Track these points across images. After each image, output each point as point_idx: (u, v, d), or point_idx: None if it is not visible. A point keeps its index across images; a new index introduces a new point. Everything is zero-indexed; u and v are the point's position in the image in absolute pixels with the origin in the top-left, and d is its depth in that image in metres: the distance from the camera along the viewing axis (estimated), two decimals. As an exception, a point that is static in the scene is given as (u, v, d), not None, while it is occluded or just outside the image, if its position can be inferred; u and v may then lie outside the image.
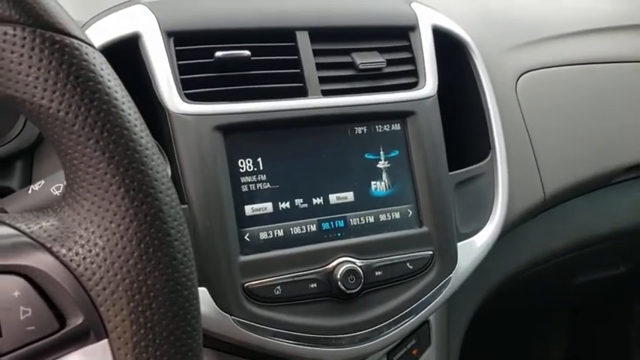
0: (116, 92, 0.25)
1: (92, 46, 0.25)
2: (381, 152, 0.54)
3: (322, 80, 0.53)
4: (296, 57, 0.53)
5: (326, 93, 0.53)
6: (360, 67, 0.55)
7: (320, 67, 0.53)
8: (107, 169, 0.24)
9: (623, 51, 0.72)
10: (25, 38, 0.23)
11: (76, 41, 0.25)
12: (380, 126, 0.55)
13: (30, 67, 0.23)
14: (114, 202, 0.24)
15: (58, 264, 0.23)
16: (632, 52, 0.73)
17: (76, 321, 0.23)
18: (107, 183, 0.24)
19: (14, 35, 0.23)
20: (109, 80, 0.25)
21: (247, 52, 0.51)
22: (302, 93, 0.53)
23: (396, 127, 0.55)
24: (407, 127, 0.55)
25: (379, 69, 0.56)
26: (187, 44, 0.50)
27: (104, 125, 0.24)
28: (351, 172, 0.53)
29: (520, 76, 0.66)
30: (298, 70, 0.53)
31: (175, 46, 0.49)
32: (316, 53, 0.54)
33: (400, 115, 0.55)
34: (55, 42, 0.24)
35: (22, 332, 0.22)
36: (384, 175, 0.54)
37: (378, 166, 0.54)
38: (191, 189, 0.47)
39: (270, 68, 0.52)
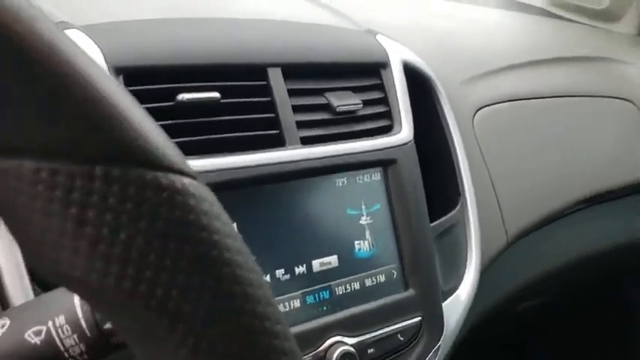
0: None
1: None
2: (363, 206, 0.48)
3: (300, 125, 0.45)
4: (269, 99, 0.44)
5: (305, 141, 0.45)
6: (338, 109, 0.48)
7: (296, 109, 0.45)
8: None
9: (573, 83, 0.73)
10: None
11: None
12: (361, 177, 0.48)
13: None
14: None
15: None
16: (581, 85, 0.74)
17: None
18: None
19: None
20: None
21: (217, 94, 0.41)
22: (279, 142, 0.44)
23: (377, 177, 0.49)
24: (388, 176, 0.49)
25: (355, 111, 0.49)
26: (142, 84, 0.39)
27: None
28: (334, 232, 0.46)
29: (476, 112, 0.63)
30: (273, 115, 0.44)
31: (127, 86, 0.39)
32: (291, 94, 0.46)
33: (381, 163, 0.49)
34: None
35: None
36: (367, 233, 0.48)
37: (361, 222, 0.48)
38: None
39: (242, 113, 0.43)
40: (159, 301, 0.14)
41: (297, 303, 0.44)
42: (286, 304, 0.43)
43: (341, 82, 0.49)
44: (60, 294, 0.23)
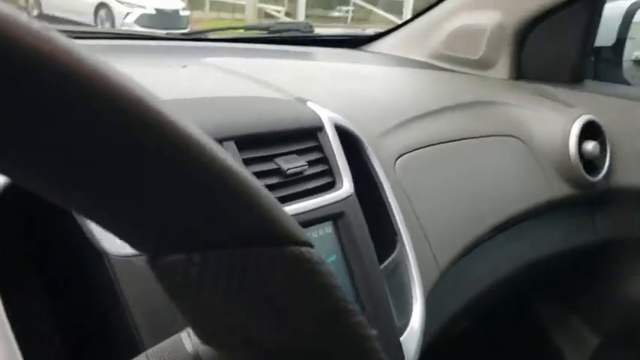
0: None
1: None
2: (321, 259, 0.52)
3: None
4: None
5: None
6: (288, 172, 0.52)
7: (257, 176, 0.49)
8: None
9: (467, 127, 0.83)
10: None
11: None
12: (315, 232, 0.53)
13: None
14: None
15: None
16: (474, 127, 0.83)
17: None
18: None
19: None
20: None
21: None
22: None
23: (329, 230, 0.54)
24: (338, 228, 0.54)
25: (302, 172, 0.54)
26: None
27: None
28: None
29: (396, 160, 0.70)
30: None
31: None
32: (246, 163, 0.49)
33: (331, 217, 0.54)
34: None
35: None
36: (329, 284, 0.52)
37: (322, 274, 0.52)
38: (148, 341, 0.38)
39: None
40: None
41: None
42: None
43: (286, 147, 0.54)
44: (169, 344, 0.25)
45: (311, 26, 1.20)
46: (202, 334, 0.19)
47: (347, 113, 0.65)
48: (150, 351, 0.26)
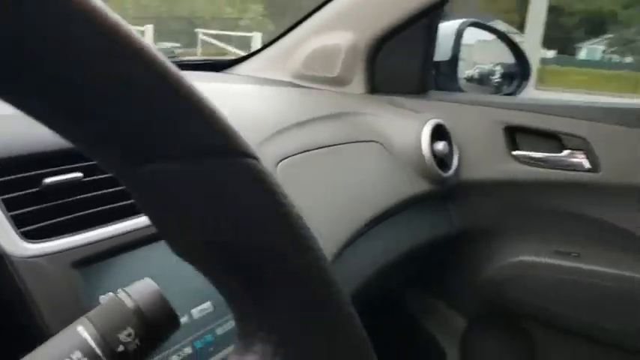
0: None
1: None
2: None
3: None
4: None
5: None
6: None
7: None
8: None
9: (333, 135, 0.89)
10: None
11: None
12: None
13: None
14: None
15: None
16: (339, 135, 0.90)
17: None
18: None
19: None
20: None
21: (80, 174, 0.44)
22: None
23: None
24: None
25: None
26: (10, 173, 0.41)
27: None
28: (201, 280, 0.51)
29: (277, 164, 0.75)
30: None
31: (-5, 177, 0.40)
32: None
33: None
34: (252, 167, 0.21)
35: None
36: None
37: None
38: None
39: (105, 187, 0.46)
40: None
41: (188, 350, 0.47)
42: (180, 353, 0.46)
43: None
44: (66, 335, 0.26)
45: (174, 52, 1.22)
46: (173, 245, 0.21)
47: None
48: (90, 314, 0.27)
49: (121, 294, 0.28)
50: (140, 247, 0.47)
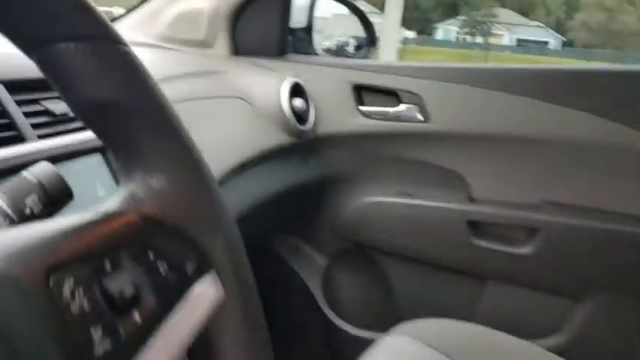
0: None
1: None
2: (98, 184, 0.62)
3: (35, 127, 0.56)
4: (1, 108, 0.54)
5: (42, 137, 0.57)
6: (57, 113, 0.60)
7: (27, 115, 0.56)
8: (172, 144, 0.31)
9: (196, 90, 0.97)
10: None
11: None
12: (86, 161, 0.62)
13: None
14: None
15: None
16: (202, 91, 0.99)
17: None
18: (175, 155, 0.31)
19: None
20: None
21: None
22: (20, 140, 0.55)
23: (99, 159, 0.63)
24: (107, 157, 0.64)
25: (68, 113, 0.62)
26: None
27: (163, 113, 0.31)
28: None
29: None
30: (8, 120, 0.54)
31: None
32: (19, 103, 0.56)
33: (99, 149, 0.63)
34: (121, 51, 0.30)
35: None
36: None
37: (100, 194, 0.61)
38: None
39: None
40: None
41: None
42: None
43: (50, 92, 0.62)
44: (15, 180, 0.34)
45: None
46: (73, 109, 0.30)
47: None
48: (1, 185, 0.35)
49: (25, 172, 0.36)
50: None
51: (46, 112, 0.60)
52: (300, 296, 1.29)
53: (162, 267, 0.29)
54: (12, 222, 0.33)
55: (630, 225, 1.09)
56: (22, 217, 0.33)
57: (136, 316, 0.27)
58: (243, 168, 0.98)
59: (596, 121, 1.08)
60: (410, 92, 1.17)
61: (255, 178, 1.03)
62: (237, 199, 0.97)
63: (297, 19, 1.33)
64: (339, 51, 1.53)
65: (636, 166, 1.09)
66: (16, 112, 0.55)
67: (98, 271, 0.25)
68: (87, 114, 0.30)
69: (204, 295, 0.30)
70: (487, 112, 1.15)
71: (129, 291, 0.26)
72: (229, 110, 1.02)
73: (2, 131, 0.53)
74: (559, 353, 0.97)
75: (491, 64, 1.23)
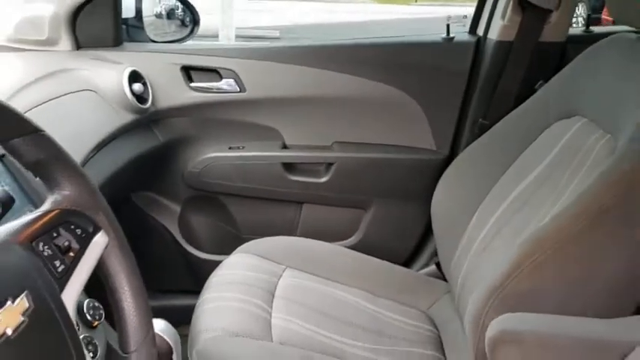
0: None
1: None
2: None
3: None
4: None
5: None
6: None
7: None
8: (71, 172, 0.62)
9: (56, 89, 1.23)
10: None
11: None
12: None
13: None
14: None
15: None
16: (61, 88, 1.24)
17: None
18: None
19: None
20: None
21: None
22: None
23: (-2, 165, 0.91)
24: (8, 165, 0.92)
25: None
26: None
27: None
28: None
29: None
30: None
31: None
32: None
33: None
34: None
35: None
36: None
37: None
38: None
39: None
40: None
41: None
42: None
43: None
44: None
45: None
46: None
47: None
48: None
49: None
50: None
51: None
52: (161, 236, 1.63)
53: (77, 231, 0.61)
54: None
55: (392, 152, 1.56)
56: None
57: (70, 256, 0.59)
58: (100, 146, 1.26)
59: (362, 82, 1.51)
60: (227, 69, 1.50)
61: (110, 152, 1.31)
62: (98, 170, 1.26)
63: (127, 9, 1.58)
64: (169, 14, 1.78)
65: (393, 112, 1.54)
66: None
67: (51, 237, 0.57)
68: (26, 165, 0.60)
69: (99, 242, 0.63)
70: (288, 80, 1.52)
71: (65, 244, 0.58)
72: (81, 102, 1.29)
73: None
74: (355, 249, 1.41)
75: (287, 44, 1.60)
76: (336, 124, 1.56)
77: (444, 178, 1.35)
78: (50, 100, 1.21)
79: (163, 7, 1.80)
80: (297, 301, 1.20)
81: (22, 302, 0.47)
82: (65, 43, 1.45)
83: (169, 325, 0.86)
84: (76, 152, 1.15)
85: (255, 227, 1.64)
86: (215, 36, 5.77)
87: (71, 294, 0.56)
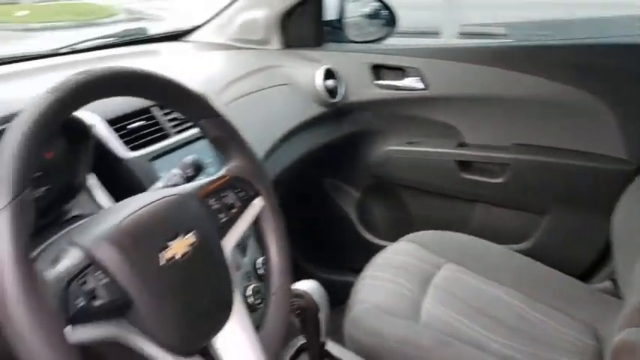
0: None
1: None
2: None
3: (172, 127, 1.08)
4: (155, 120, 1.06)
5: (177, 133, 1.08)
6: (181, 118, 1.11)
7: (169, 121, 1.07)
8: (242, 146, 0.80)
9: (260, 83, 1.46)
10: None
11: None
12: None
13: None
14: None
15: None
16: (263, 82, 1.47)
17: None
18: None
19: None
20: None
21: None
22: (166, 136, 1.06)
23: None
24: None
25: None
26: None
27: None
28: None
29: (227, 105, 1.31)
30: (160, 125, 1.06)
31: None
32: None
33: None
34: None
35: None
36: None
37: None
38: None
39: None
40: None
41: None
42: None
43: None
44: None
45: (145, 29, 1.73)
46: None
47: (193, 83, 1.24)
48: None
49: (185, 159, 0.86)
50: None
51: (175, 119, 1.09)
52: (341, 219, 1.80)
53: (241, 194, 0.77)
54: (184, 180, 0.83)
55: (574, 159, 1.50)
56: (185, 179, 0.83)
57: (232, 212, 0.76)
58: (291, 134, 1.46)
59: (548, 85, 1.48)
60: (413, 68, 1.60)
61: (301, 137, 1.51)
62: (288, 153, 1.46)
63: (332, 13, 1.77)
64: (375, 14, 1.92)
65: (580, 116, 1.48)
66: (162, 118, 1.06)
67: (220, 196, 0.74)
68: (209, 140, 0.78)
69: (257, 204, 0.78)
70: (471, 79, 1.56)
71: (230, 203, 0.74)
72: (280, 95, 1.51)
73: (156, 132, 1.04)
74: (526, 255, 1.41)
75: (471, 44, 1.63)
76: (516, 125, 1.55)
77: (631, 191, 1.27)
78: (255, 91, 1.44)
79: (368, 8, 1.95)
80: (451, 293, 1.25)
81: (190, 237, 0.63)
82: (275, 42, 1.69)
83: (321, 288, 0.99)
84: (268, 138, 1.36)
85: (426, 220, 1.71)
86: (432, 33, 5.80)
87: (229, 241, 0.72)
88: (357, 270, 1.37)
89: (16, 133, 0.49)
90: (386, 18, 1.88)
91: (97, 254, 0.54)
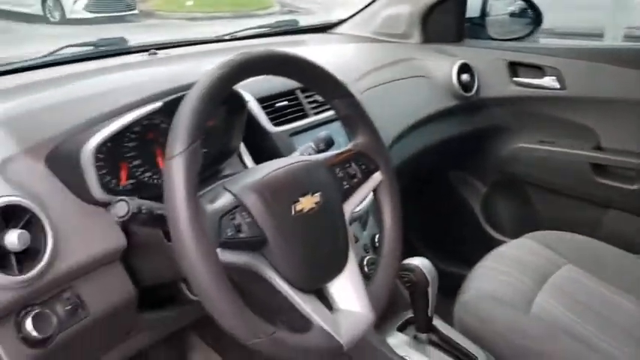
0: None
1: None
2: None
3: (312, 108, 1.21)
4: (297, 101, 1.19)
5: (316, 113, 1.21)
6: (320, 101, 1.24)
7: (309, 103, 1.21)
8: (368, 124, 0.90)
9: (398, 72, 1.55)
10: None
11: None
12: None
13: None
14: None
15: None
16: (403, 72, 1.56)
17: None
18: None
19: None
20: None
21: None
22: (305, 115, 1.20)
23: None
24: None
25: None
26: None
27: None
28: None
29: (363, 92, 1.41)
30: (301, 106, 1.20)
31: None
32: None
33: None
34: None
35: None
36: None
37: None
38: None
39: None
40: None
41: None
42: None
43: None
44: None
45: (296, 21, 1.90)
46: None
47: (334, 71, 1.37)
48: None
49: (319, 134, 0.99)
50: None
51: (314, 101, 1.22)
52: (464, 211, 1.84)
53: (363, 167, 0.86)
54: (316, 152, 0.95)
55: None
56: (318, 151, 0.96)
57: (354, 181, 0.86)
58: (420, 123, 1.52)
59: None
60: (550, 67, 1.59)
61: (430, 130, 1.58)
62: (416, 141, 1.52)
63: (472, 10, 1.80)
64: (521, 14, 1.92)
65: None
66: (303, 100, 1.19)
67: (345, 166, 0.84)
68: (340, 118, 0.88)
69: (376, 177, 0.87)
70: (611, 82, 1.53)
71: (352, 173, 0.84)
72: (414, 86, 1.58)
73: (297, 112, 1.17)
74: None
75: (613, 45, 1.57)
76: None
77: None
78: (390, 82, 1.53)
79: (513, 7, 1.95)
80: (567, 292, 1.26)
81: (316, 196, 0.75)
82: (416, 37, 1.77)
83: (430, 265, 1.06)
84: (398, 125, 1.44)
85: (553, 220, 1.70)
86: (596, 35, 5.43)
87: (349, 206, 0.83)
88: (474, 263, 1.41)
89: (194, 94, 0.64)
90: (531, 17, 1.87)
91: (244, 199, 0.68)
